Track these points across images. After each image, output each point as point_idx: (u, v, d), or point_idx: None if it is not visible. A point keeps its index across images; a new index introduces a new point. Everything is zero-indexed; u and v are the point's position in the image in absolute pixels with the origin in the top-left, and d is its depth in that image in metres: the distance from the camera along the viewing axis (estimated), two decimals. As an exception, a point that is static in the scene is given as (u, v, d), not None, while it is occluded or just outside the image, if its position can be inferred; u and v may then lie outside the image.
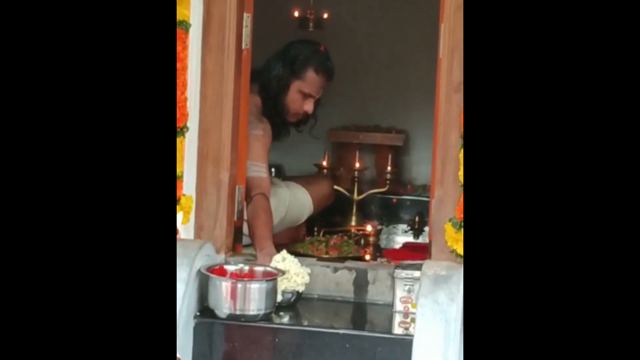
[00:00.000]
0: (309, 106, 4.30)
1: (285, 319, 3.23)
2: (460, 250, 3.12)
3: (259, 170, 3.91)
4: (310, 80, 4.28)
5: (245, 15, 3.52)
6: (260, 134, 4.02)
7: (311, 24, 5.44)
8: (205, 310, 3.17)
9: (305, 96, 4.28)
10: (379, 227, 4.69)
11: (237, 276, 3.23)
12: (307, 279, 3.34)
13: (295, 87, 4.26)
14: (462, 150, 3.10)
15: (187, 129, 3.32)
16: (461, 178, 3.09)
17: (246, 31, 3.53)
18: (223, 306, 3.12)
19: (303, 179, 4.64)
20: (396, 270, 3.33)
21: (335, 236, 4.23)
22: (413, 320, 3.08)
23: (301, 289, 3.33)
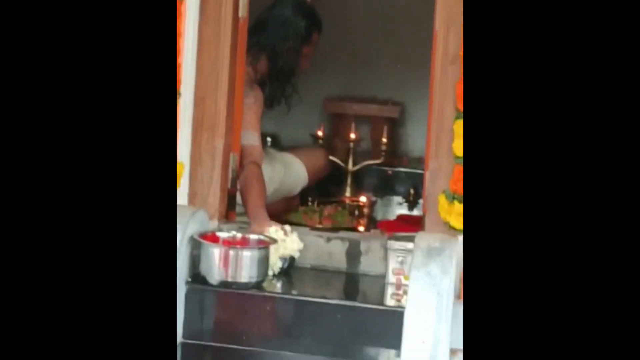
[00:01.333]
0: (308, 62, 4.49)
1: (277, 288, 3.23)
2: (453, 222, 3.11)
3: (251, 138, 3.91)
4: (315, 41, 4.47)
5: (242, -16, 3.51)
6: (252, 101, 4.03)
7: (308, -5, 5.40)
8: (196, 277, 3.17)
9: (308, 56, 4.46)
10: (374, 198, 4.68)
11: (230, 243, 3.23)
12: (300, 245, 3.34)
13: (304, 52, 4.42)
14: (456, 122, 3.09)
15: (180, 94, 3.31)
16: (455, 150, 3.08)
17: (243, 0, 3.52)
18: (215, 273, 3.12)
19: (298, 150, 4.64)
20: (389, 242, 3.33)
21: (329, 206, 4.23)
22: (405, 292, 3.08)
23: (296, 254, 3.33)
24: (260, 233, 3.35)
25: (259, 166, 3.85)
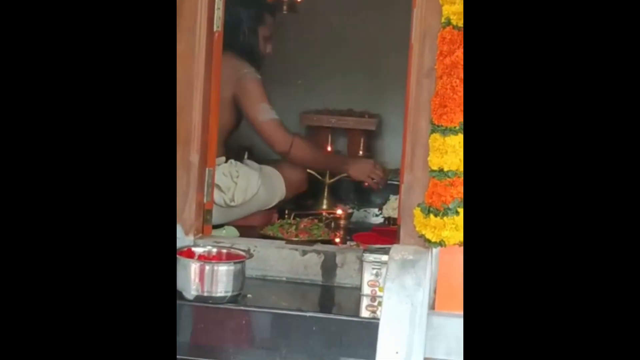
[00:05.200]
0: (269, 48, 4.56)
1: (253, 302, 3.24)
2: (428, 235, 3.12)
3: (271, 112, 4.24)
4: (269, 23, 4.55)
5: (217, -3, 3.53)
6: (258, 77, 4.24)
7: (285, 7, 5.42)
8: (173, 292, 3.17)
9: (267, 40, 4.52)
10: (350, 210, 4.69)
11: (205, 258, 3.25)
12: None
13: (261, 34, 4.49)
14: (431, 135, 3.11)
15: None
16: (430, 163, 3.10)
17: (218, 14, 3.53)
18: (191, 288, 3.13)
19: (278, 164, 4.65)
20: (364, 254, 3.35)
21: (305, 219, 4.24)
22: (380, 303, 3.10)
23: None
24: None
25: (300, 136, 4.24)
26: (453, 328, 3.16)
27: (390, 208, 4.65)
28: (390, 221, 4.61)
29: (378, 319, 2.99)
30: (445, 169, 3.04)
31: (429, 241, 3.11)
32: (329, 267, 3.48)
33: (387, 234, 4.12)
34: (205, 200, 3.55)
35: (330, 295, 3.44)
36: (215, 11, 3.51)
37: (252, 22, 4.43)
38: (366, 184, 4.68)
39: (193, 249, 3.28)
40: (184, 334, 3.14)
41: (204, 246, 3.34)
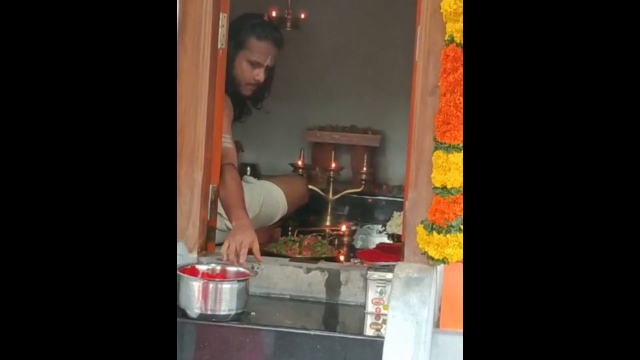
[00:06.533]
0: (258, 74, 4.32)
1: (257, 320, 3.22)
2: (431, 252, 3.11)
3: (225, 141, 3.88)
4: (255, 47, 4.31)
5: (221, 15, 3.53)
6: (225, 108, 4.02)
7: (288, 24, 5.42)
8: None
9: (254, 65, 4.31)
10: (354, 227, 4.68)
11: (209, 276, 3.24)
12: None
13: (242, 57, 4.27)
14: (435, 152, 3.11)
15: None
16: (433, 181, 3.10)
17: (222, 31, 3.54)
18: (194, 306, 3.12)
19: (278, 178, 4.65)
20: (368, 272, 3.34)
21: (309, 236, 4.23)
22: (385, 322, 3.09)
23: None
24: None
25: (235, 167, 3.88)
26: (458, 346, 3.14)
27: (394, 225, 4.63)
28: (394, 238, 4.60)
29: (383, 337, 2.98)
30: (449, 186, 3.03)
31: (432, 258, 3.10)
32: (333, 284, 3.47)
33: (391, 251, 4.11)
34: (209, 218, 3.54)
35: (335, 313, 3.43)
36: (220, 28, 3.51)
37: (231, 44, 4.26)
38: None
39: (197, 266, 3.28)
40: (187, 353, 3.13)
41: (207, 264, 3.33)
